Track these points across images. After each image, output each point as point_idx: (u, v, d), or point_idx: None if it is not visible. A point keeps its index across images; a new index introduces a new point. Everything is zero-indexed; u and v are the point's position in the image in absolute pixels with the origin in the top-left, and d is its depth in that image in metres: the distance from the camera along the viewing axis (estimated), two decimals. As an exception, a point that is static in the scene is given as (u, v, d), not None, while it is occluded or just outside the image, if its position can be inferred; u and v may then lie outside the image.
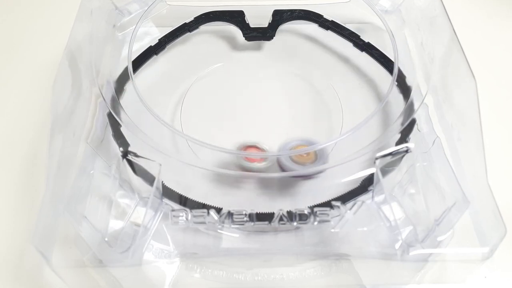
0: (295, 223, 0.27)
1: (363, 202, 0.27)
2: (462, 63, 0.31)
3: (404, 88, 0.35)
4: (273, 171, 0.30)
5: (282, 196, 0.30)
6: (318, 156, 0.31)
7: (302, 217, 0.27)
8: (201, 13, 0.39)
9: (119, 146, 0.31)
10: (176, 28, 0.39)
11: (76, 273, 0.27)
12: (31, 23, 0.44)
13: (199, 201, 0.29)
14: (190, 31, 0.39)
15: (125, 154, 0.30)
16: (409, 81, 0.35)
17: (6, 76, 0.40)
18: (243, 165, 0.30)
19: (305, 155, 0.31)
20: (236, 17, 0.39)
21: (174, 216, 0.27)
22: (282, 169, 0.31)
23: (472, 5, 0.45)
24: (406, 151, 0.30)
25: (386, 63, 0.37)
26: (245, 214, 0.27)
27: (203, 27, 0.40)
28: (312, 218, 0.27)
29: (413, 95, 0.33)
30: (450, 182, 0.29)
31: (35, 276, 0.29)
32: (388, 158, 0.30)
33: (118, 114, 0.32)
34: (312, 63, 0.39)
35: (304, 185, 0.30)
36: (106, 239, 0.27)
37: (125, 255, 0.26)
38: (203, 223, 0.27)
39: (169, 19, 0.40)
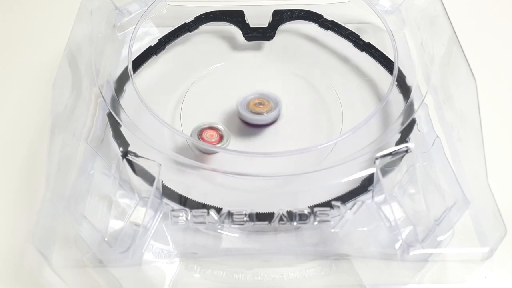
0: (295, 223, 0.27)
1: (363, 202, 0.27)
2: (462, 63, 0.31)
3: (404, 88, 0.35)
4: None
5: (282, 196, 0.30)
6: (273, 104, 0.34)
7: (302, 217, 0.27)
8: (201, 13, 0.40)
9: (119, 146, 0.31)
10: (176, 28, 0.39)
11: (76, 273, 0.27)
12: (31, 23, 0.44)
13: (199, 201, 0.29)
14: (190, 31, 0.39)
15: (125, 154, 0.30)
16: (409, 81, 0.35)
17: (6, 76, 0.40)
18: (203, 148, 0.32)
19: (261, 106, 0.34)
20: (236, 17, 0.39)
21: (174, 216, 0.27)
22: (244, 122, 0.34)
23: (472, 5, 0.45)
24: (406, 151, 0.30)
25: (386, 63, 0.37)
26: (245, 214, 0.27)
27: (203, 27, 0.40)
28: (312, 218, 0.27)
29: (413, 95, 0.33)
30: (450, 182, 0.29)
31: (35, 276, 0.29)
32: (388, 158, 0.30)
33: (118, 114, 0.32)
34: (312, 63, 0.39)
35: (304, 185, 0.30)
36: (106, 239, 0.27)
37: (125, 255, 0.26)
38: (203, 223, 0.27)
39: (169, 19, 0.40)
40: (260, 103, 0.34)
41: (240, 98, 0.34)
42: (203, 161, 0.32)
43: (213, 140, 0.32)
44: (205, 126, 0.32)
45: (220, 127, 0.33)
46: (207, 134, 0.32)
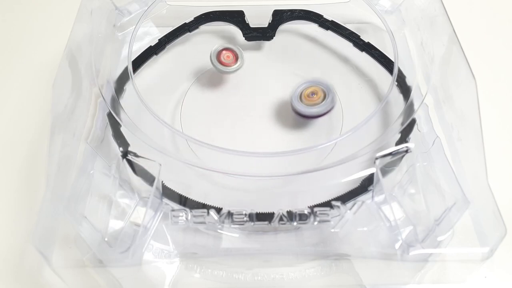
0: (295, 223, 0.27)
1: (363, 202, 0.27)
2: (462, 63, 0.31)
3: (404, 88, 0.35)
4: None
5: (282, 196, 0.30)
6: (326, 93, 0.33)
7: (302, 217, 0.27)
8: (201, 13, 0.39)
9: (119, 146, 0.31)
10: (176, 28, 0.39)
11: (76, 273, 0.27)
12: (31, 23, 0.44)
13: (199, 201, 0.29)
14: (190, 31, 0.39)
15: (125, 154, 0.30)
16: (409, 81, 0.35)
17: (6, 76, 0.40)
18: (220, 69, 0.35)
19: (314, 96, 0.33)
20: (236, 17, 0.39)
21: (174, 216, 0.27)
22: (298, 114, 0.34)
23: (472, 5, 0.45)
24: (406, 151, 0.30)
25: (386, 63, 0.37)
26: (245, 214, 0.27)
27: (203, 27, 0.40)
28: (312, 218, 0.27)
29: (413, 95, 0.33)
30: (450, 182, 0.29)
31: (35, 276, 0.29)
32: (388, 158, 0.30)
33: (118, 114, 0.32)
34: (312, 63, 0.39)
35: (304, 185, 0.30)
36: (106, 239, 0.27)
37: (125, 255, 0.26)
38: (203, 223, 0.27)
39: (169, 19, 0.40)
40: (312, 93, 0.34)
41: (295, 89, 0.34)
42: (204, 161, 0.32)
43: (230, 61, 0.35)
44: (221, 48, 0.35)
45: (235, 48, 0.35)
46: (225, 55, 0.35)
